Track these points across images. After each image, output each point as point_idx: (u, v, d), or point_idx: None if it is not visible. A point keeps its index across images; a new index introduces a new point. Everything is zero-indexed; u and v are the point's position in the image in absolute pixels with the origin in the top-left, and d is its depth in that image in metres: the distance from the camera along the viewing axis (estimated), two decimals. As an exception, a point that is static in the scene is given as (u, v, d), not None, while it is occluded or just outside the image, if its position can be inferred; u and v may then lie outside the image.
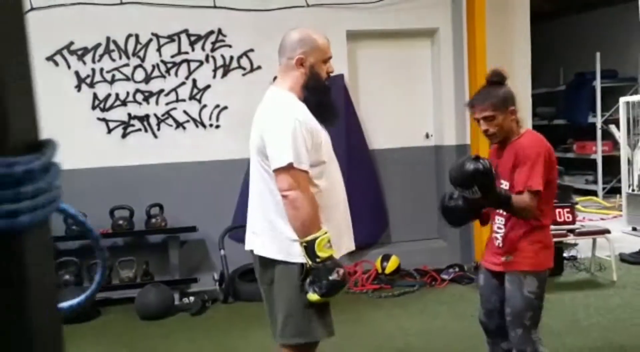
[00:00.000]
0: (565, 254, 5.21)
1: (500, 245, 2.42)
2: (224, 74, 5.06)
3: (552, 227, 4.72)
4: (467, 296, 4.58)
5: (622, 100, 6.80)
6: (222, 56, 5.04)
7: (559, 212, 4.73)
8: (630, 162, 6.86)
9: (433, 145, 5.69)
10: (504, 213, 2.41)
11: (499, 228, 2.45)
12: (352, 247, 2.36)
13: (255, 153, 2.23)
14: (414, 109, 5.65)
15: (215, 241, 4.88)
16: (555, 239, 4.71)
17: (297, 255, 2.14)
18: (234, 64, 5.06)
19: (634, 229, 6.30)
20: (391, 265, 4.91)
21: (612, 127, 8.20)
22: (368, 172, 5.43)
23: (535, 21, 6.30)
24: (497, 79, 2.44)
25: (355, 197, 5.15)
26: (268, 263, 2.25)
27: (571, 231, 4.68)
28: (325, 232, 2.09)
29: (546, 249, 2.40)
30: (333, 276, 2.09)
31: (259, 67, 5.10)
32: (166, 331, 4.10)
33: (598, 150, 8.67)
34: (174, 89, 4.99)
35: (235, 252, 4.95)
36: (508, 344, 2.48)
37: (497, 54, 5.33)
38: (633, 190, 6.51)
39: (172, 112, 5.01)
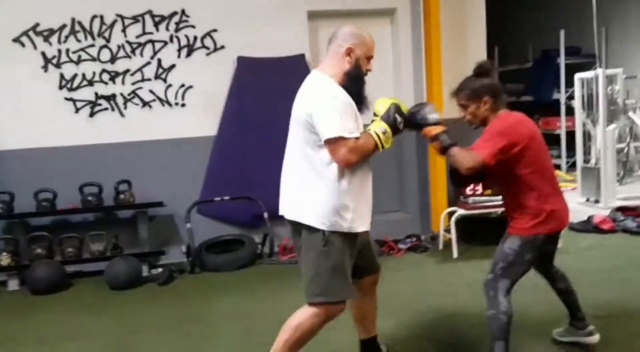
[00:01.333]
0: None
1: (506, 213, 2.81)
2: (188, 54, 5.21)
3: (500, 197, 5.03)
4: (421, 263, 4.86)
5: (577, 76, 7.05)
6: (186, 36, 5.19)
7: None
8: (590, 137, 7.14)
9: (394, 122, 5.89)
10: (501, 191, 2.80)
11: (503, 201, 2.83)
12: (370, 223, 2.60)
13: (295, 123, 2.51)
14: (374, 87, 5.76)
15: (182, 215, 5.09)
16: (502, 209, 5.01)
17: (320, 223, 2.41)
18: (198, 44, 5.22)
19: (587, 200, 6.61)
20: (352, 236, 5.15)
21: (574, 103, 8.48)
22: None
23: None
24: (479, 71, 2.73)
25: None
26: (297, 229, 2.52)
27: (519, 201, 4.94)
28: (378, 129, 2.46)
29: (535, 218, 2.64)
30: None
31: (222, 47, 5.26)
32: (134, 300, 4.33)
33: (562, 126, 8.96)
34: (140, 69, 5.15)
35: (202, 226, 5.20)
36: (560, 284, 3.02)
37: (452, 32, 5.54)
38: (588, 163, 6.80)
39: (138, 92, 5.17)
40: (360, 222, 2.49)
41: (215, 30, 5.24)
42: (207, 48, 5.24)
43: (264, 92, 5.33)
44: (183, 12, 5.17)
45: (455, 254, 4.86)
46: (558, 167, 9.07)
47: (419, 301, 3.91)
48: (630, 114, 7.40)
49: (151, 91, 5.19)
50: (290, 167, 2.57)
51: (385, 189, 5.85)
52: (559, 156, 9.19)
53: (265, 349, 3.29)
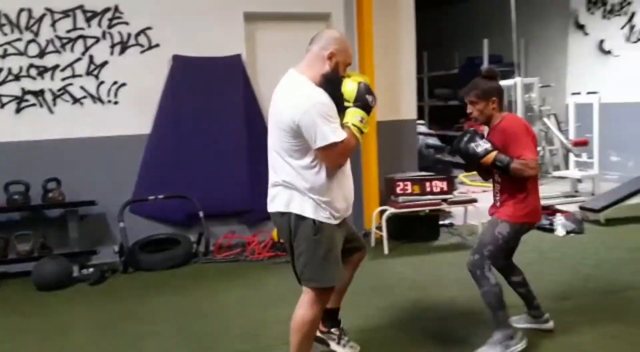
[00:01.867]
0: (442, 222, 5.80)
1: (498, 204, 3.06)
2: (122, 51, 5.14)
3: (429, 197, 5.29)
4: (354, 260, 5.02)
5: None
6: (120, 33, 5.12)
7: (437, 184, 5.27)
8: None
9: (328, 123, 6.04)
10: (498, 181, 3.03)
11: (496, 193, 3.08)
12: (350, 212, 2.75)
13: (277, 128, 2.55)
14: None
15: (115, 214, 5.01)
16: (432, 208, 5.29)
17: (311, 212, 2.54)
18: (132, 41, 5.15)
19: (507, 199, 7.04)
20: (287, 234, 5.25)
21: (496, 108, 8.97)
22: (266, 148, 5.71)
23: (430, 6, 6.81)
24: (487, 75, 3.02)
25: (255, 172, 5.50)
26: (285, 219, 2.60)
27: (444, 200, 5.23)
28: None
29: (525, 209, 2.96)
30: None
31: (157, 45, 5.22)
32: (65, 300, 4.24)
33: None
34: (70, 65, 5.02)
35: (136, 225, 5.14)
36: (516, 278, 3.25)
37: (384, 38, 5.77)
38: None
39: (69, 88, 5.04)
40: (343, 211, 2.65)
41: (149, 28, 5.19)
42: (142, 45, 5.19)
43: (199, 91, 5.34)
44: (116, 8, 5.09)
45: (386, 251, 5.06)
46: (481, 168, 9.58)
47: (356, 295, 4.03)
48: (545, 119, 7.96)
49: (82, 88, 5.08)
50: (275, 166, 2.63)
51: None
52: (482, 158, 9.70)
53: (202, 345, 3.36)
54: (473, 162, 2.99)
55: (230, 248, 5.30)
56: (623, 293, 3.93)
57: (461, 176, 8.47)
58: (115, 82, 5.14)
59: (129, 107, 5.19)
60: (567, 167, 8.45)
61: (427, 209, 5.21)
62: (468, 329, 3.41)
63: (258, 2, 5.48)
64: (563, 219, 5.52)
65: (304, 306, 2.65)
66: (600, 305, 3.73)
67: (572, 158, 7.60)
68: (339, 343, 3.08)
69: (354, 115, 2.53)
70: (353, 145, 2.52)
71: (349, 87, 2.54)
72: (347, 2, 5.70)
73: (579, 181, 7.56)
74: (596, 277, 4.26)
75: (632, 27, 7.97)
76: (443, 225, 5.78)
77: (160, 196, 5.12)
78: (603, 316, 3.50)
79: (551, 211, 6.08)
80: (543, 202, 6.49)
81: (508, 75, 9.14)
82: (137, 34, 5.16)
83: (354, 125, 2.52)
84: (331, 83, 2.55)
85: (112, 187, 5.11)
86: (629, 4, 7.98)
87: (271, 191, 2.66)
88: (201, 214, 5.13)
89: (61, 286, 4.44)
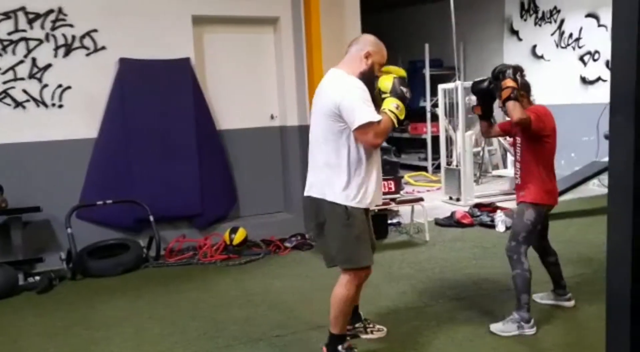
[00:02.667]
0: (391, 220, 5.99)
1: (519, 183, 3.39)
2: (66, 54, 5.03)
3: (378, 196, 5.42)
4: (306, 260, 5.13)
5: (440, 87, 7.81)
6: (64, 35, 5.01)
7: (386, 184, 5.44)
8: (452, 142, 7.92)
9: (278, 126, 6.14)
10: (519, 161, 3.38)
11: (516, 172, 3.42)
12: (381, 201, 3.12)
13: (320, 114, 2.82)
14: (259, 92, 6.05)
15: (61, 220, 4.90)
16: (380, 207, 5.44)
17: (343, 199, 2.79)
18: (77, 43, 5.06)
19: (450, 198, 7.34)
20: (239, 236, 5.29)
21: (438, 111, 9.34)
22: (217, 151, 5.74)
23: (374, 11, 7.00)
24: (515, 72, 3.28)
25: (205, 175, 5.51)
26: (320, 206, 2.87)
27: (393, 199, 5.42)
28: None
29: (545, 191, 3.31)
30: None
31: (103, 48, 5.14)
32: (12, 309, 4.12)
33: (428, 131, 9.80)
34: (12, 68, 4.88)
35: (84, 231, 5.05)
36: (550, 258, 3.62)
37: (332, 42, 5.90)
38: (451, 165, 7.55)
39: (10, 91, 4.89)
40: (377, 198, 2.93)
41: (95, 31, 5.11)
42: (87, 48, 5.10)
43: (147, 95, 5.30)
44: (60, 10, 4.99)
45: (337, 250, 5.19)
46: (425, 169, 9.92)
47: (309, 294, 4.16)
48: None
49: (25, 91, 4.94)
50: (314, 153, 2.92)
51: (270, 191, 6.09)
52: (425, 159, 10.04)
53: (159, 348, 3.37)
54: (498, 77, 3.26)
55: (182, 252, 5.28)
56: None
57: (407, 176, 8.75)
58: (59, 85, 5.03)
59: (74, 110, 5.09)
60: (505, 166, 8.90)
61: (377, 208, 5.36)
62: (419, 321, 3.56)
63: (206, 6, 5.49)
64: (503, 216, 5.82)
65: (341, 284, 2.92)
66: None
67: (510, 158, 7.98)
68: (366, 332, 3.36)
69: (390, 102, 2.78)
70: (388, 128, 2.76)
71: (385, 81, 2.82)
72: (295, 6, 5.80)
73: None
74: (535, 269, 4.52)
75: (561, 34, 8.47)
76: (391, 224, 5.97)
77: (109, 201, 5.05)
78: (541, 303, 3.74)
79: (491, 208, 6.40)
80: (483, 200, 6.89)
81: (449, 78, 9.53)
82: (82, 37, 5.07)
83: (390, 111, 2.76)
84: (368, 80, 2.81)
85: (58, 192, 5.00)
86: (558, 11, 8.49)
87: (309, 177, 2.95)
88: (152, 218, 5.09)
89: (7, 295, 4.31)
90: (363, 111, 2.69)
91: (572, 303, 3.67)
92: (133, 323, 3.76)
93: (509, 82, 3.20)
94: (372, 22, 7.43)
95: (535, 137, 3.26)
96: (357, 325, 3.36)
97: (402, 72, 2.94)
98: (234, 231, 5.33)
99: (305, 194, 2.97)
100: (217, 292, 4.31)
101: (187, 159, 5.44)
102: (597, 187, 7.60)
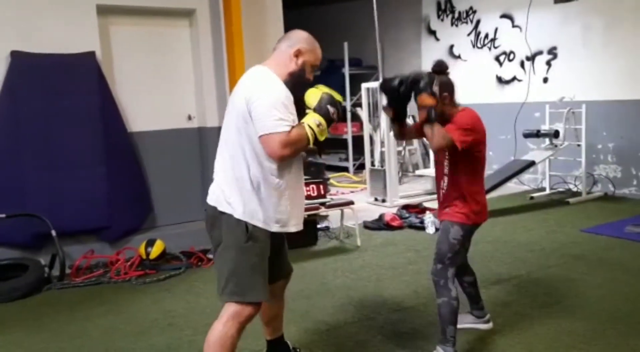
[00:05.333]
0: (319, 225, 5.73)
1: (445, 193, 2.99)
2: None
3: (307, 201, 5.16)
4: (232, 272, 4.73)
5: (364, 86, 7.66)
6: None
7: (313, 188, 5.16)
8: (372, 141, 7.79)
9: (196, 127, 5.69)
10: (446, 174, 2.96)
11: (442, 188, 3.00)
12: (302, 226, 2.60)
13: (233, 116, 2.44)
14: (175, 90, 5.56)
15: (-59, 240, 4.19)
16: (308, 212, 5.16)
17: (242, 213, 2.39)
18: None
19: (376, 199, 7.20)
20: (156, 249, 4.80)
21: (359, 110, 9.23)
22: (128, 155, 5.21)
23: (293, 8, 6.71)
24: (437, 69, 2.90)
25: (115, 182, 4.96)
26: (218, 222, 2.44)
27: (322, 204, 5.15)
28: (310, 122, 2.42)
29: (474, 211, 2.93)
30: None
31: None
32: None
33: (348, 131, 9.66)
34: None
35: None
36: (468, 278, 3.26)
37: (254, 38, 5.55)
38: (374, 165, 7.42)
39: None
40: (294, 221, 2.53)
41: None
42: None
43: (45, 93, 4.67)
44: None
45: (265, 260, 4.84)
46: (346, 169, 9.78)
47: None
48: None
49: None
50: (220, 159, 2.52)
51: (189, 197, 5.61)
52: (346, 159, 9.90)
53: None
54: (411, 90, 2.80)
55: (91, 269, 4.71)
56: (495, 286, 4.11)
57: (331, 178, 8.53)
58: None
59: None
60: (425, 166, 8.92)
61: (306, 214, 5.06)
62: (362, 336, 3.31)
63: (113, -6, 4.95)
64: (432, 217, 5.72)
65: (220, 321, 2.46)
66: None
67: (432, 157, 7.97)
68: None
69: (313, 117, 2.44)
70: (301, 142, 2.39)
71: (313, 95, 2.50)
72: (212, -1, 5.38)
73: (439, 178, 7.97)
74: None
75: (477, 34, 8.61)
76: (320, 229, 5.71)
77: (2, 215, 4.39)
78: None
79: (420, 209, 6.30)
80: (407, 201, 6.81)
81: (369, 77, 9.44)
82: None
83: (309, 126, 2.41)
84: (296, 82, 2.48)
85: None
86: (474, 12, 8.62)
87: (212, 185, 2.55)
88: (54, 233, 4.49)
89: None
90: (274, 118, 2.32)
91: (490, 325, 3.33)
92: (34, 360, 3.21)
93: (425, 100, 2.74)
94: (291, 19, 7.16)
95: (465, 151, 2.83)
96: None
97: (338, 96, 2.57)
98: (150, 243, 4.83)
99: (207, 201, 2.53)
100: (134, 316, 3.82)
101: (92, 165, 4.86)
102: (515, 185, 7.79)
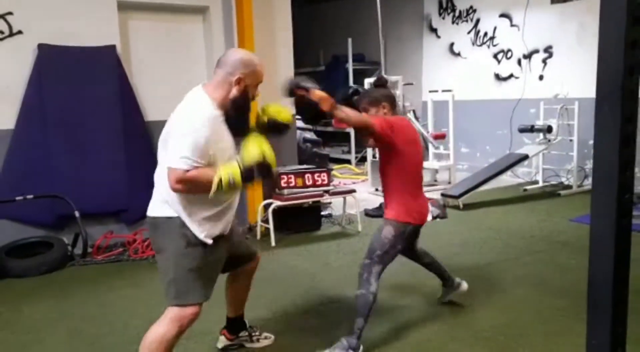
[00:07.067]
0: (323, 212, 6.06)
1: (383, 201, 3.19)
2: (-22, 38, 4.65)
3: (312, 189, 5.48)
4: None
5: (367, 81, 7.97)
6: (-26, 17, 4.62)
7: (318, 177, 5.49)
8: (375, 134, 8.10)
9: (207, 118, 5.99)
10: (381, 175, 3.16)
11: (382, 190, 3.22)
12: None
13: (164, 138, 2.43)
14: (189, 82, 5.77)
15: (-26, 218, 4.53)
16: (313, 199, 5.49)
17: (178, 222, 2.42)
18: (-10, 27, 4.68)
19: (377, 189, 7.53)
20: (170, 231, 5.13)
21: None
22: (145, 143, 5.50)
23: (297, 6, 6.97)
24: (378, 83, 3.24)
25: (133, 168, 5.29)
26: (157, 228, 2.48)
27: (326, 191, 5.48)
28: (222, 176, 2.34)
29: (406, 209, 3.09)
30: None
31: (19, 32, 4.79)
32: None
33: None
34: None
35: (1, 229, 4.70)
36: (426, 259, 3.51)
37: (263, 34, 5.86)
38: (375, 158, 7.75)
39: None
40: (218, 229, 2.52)
41: (10, 13, 4.74)
42: (1, 32, 4.73)
43: (69, 84, 5.00)
44: (-31, -11, 4.59)
45: (273, 243, 5.16)
46: (348, 161, 10.10)
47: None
48: (409, 115, 8.59)
49: None
50: (161, 168, 2.48)
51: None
52: (349, 152, 10.23)
53: (97, 348, 3.21)
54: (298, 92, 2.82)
55: (110, 248, 5.05)
56: (487, 268, 4.45)
57: (334, 169, 8.87)
58: (-31, 72, 4.63)
59: (-14, 99, 4.71)
60: (424, 159, 9.25)
61: (311, 200, 5.41)
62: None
63: (133, -9, 5.27)
64: (430, 206, 6.04)
65: (160, 322, 2.49)
66: (470, 279, 4.20)
67: (431, 150, 8.30)
68: (252, 341, 3.15)
69: (232, 170, 2.35)
70: (196, 184, 2.32)
71: (251, 152, 2.40)
72: (225, -4, 5.69)
73: (437, 171, 8.30)
74: (463, 256, 4.77)
75: (477, 32, 8.91)
76: (323, 216, 6.04)
77: (30, 196, 4.72)
78: (472, 288, 3.94)
79: (418, 198, 6.62)
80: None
81: (371, 73, 9.74)
82: (-5, 19, 4.70)
83: (220, 176, 2.33)
84: (239, 108, 2.48)
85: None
86: (474, 11, 8.92)
87: (153, 194, 2.57)
88: (77, 213, 4.82)
89: None
90: (179, 155, 2.27)
91: (464, 286, 3.60)
92: (65, 324, 3.56)
93: (317, 93, 2.78)
94: (294, 16, 7.44)
95: (389, 148, 2.99)
96: (240, 334, 3.13)
97: (286, 115, 2.65)
98: (164, 225, 5.15)
99: (148, 213, 2.55)
100: (151, 289, 4.15)
101: (113, 151, 5.19)
102: (510, 178, 8.11)
